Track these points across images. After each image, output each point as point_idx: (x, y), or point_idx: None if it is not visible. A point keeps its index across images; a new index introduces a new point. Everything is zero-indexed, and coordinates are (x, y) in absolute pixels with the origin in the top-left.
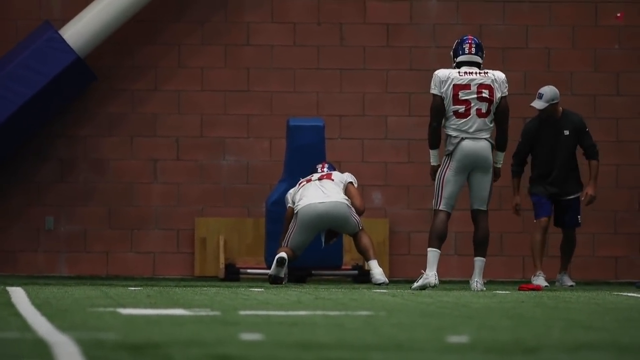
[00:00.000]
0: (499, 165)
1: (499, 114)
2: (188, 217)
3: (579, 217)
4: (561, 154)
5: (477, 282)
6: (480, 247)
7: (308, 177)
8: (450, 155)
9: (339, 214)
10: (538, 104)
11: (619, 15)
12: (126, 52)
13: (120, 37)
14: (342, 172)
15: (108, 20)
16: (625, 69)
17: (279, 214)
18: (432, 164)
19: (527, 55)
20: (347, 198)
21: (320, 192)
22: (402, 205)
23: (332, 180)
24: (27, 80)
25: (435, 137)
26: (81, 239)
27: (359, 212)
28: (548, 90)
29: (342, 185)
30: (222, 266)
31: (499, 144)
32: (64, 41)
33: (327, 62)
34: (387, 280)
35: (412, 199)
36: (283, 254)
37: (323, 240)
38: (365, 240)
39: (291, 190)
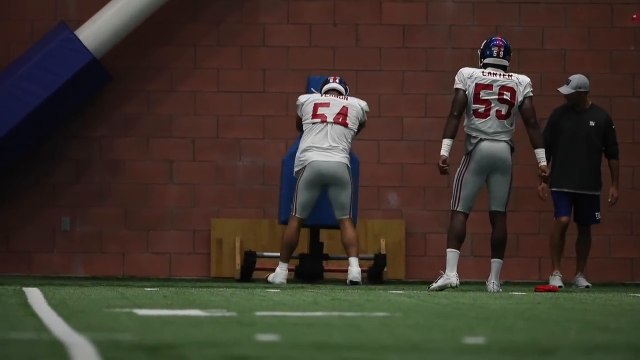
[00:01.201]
0: (544, 162)
1: (525, 112)
2: (204, 218)
3: (597, 213)
4: (584, 144)
5: (493, 283)
6: (498, 248)
7: (323, 112)
8: (468, 155)
9: (339, 173)
10: (564, 89)
11: (634, 16)
12: (142, 53)
13: (136, 38)
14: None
15: (124, 21)
16: None
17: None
18: (441, 153)
19: (543, 57)
20: (348, 158)
21: (327, 149)
22: (418, 207)
23: (347, 126)
24: (42, 81)
25: (451, 126)
26: (97, 240)
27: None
28: (577, 78)
29: (353, 133)
30: (238, 267)
31: (534, 139)
32: (79, 42)
33: (343, 63)
34: (360, 282)
35: (428, 200)
36: (283, 279)
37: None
38: (351, 233)
39: (305, 100)
